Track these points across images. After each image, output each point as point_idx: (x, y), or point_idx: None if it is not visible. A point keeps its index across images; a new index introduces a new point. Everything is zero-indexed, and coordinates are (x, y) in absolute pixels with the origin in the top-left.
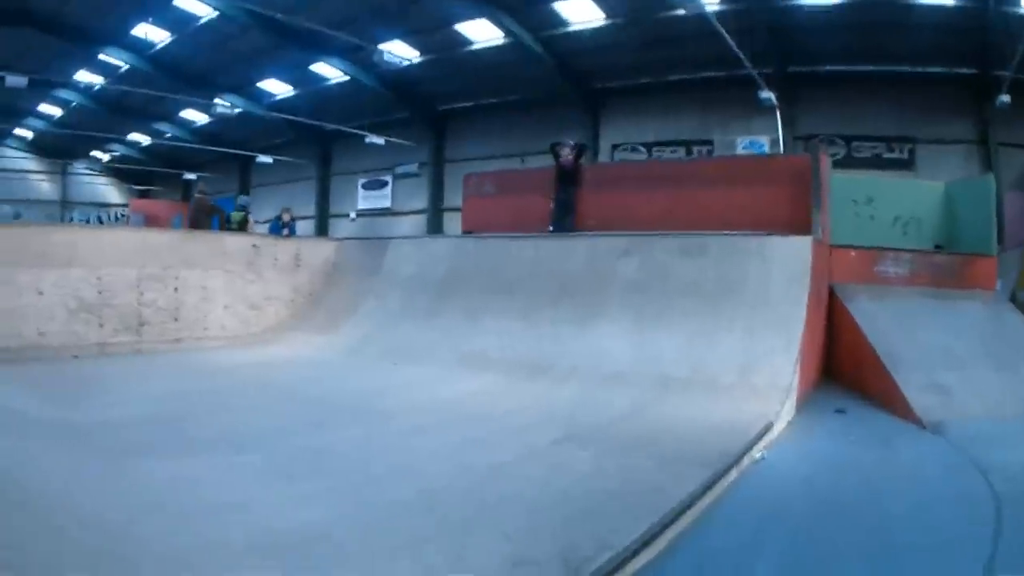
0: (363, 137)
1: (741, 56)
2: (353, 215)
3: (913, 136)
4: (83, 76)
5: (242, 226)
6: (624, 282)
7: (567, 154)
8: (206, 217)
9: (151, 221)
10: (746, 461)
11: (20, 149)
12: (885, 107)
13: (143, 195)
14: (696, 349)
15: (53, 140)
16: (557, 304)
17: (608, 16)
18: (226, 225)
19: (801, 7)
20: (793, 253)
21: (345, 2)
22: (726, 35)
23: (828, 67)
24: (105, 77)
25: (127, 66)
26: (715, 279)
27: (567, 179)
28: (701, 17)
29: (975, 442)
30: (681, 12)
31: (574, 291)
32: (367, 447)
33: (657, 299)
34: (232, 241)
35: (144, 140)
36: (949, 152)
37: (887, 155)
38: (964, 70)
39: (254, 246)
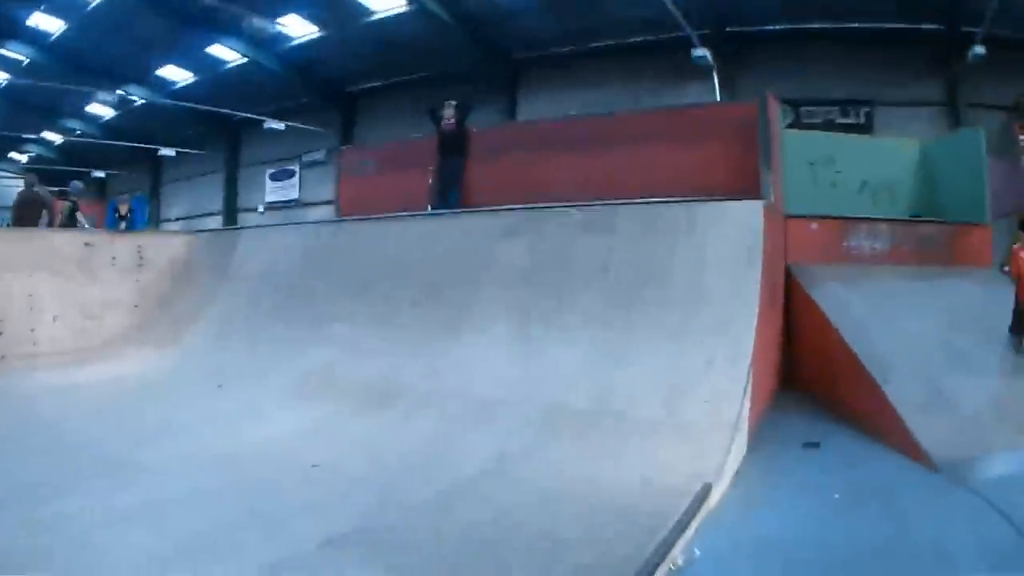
0: (272, 127)
1: (673, 10)
2: (261, 208)
3: (871, 99)
4: None
5: (71, 220)
6: (507, 272)
7: (448, 117)
8: (31, 213)
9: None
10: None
11: None
12: (838, 68)
13: (60, 196)
14: (601, 366)
15: None
16: (420, 305)
17: None
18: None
19: None
20: (737, 224)
21: None
22: None
23: (772, 26)
24: (8, 73)
25: (28, 60)
26: (629, 264)
27: (450, 146)
28: None
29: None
30: None
31: (443, 287)
32: (44, 538)
33: (550, 294)
34: (61, 239)
35: (57, 139)
36: (912, 115)
37: (841, 120)
38: (929, 25)
39: (87, 244)
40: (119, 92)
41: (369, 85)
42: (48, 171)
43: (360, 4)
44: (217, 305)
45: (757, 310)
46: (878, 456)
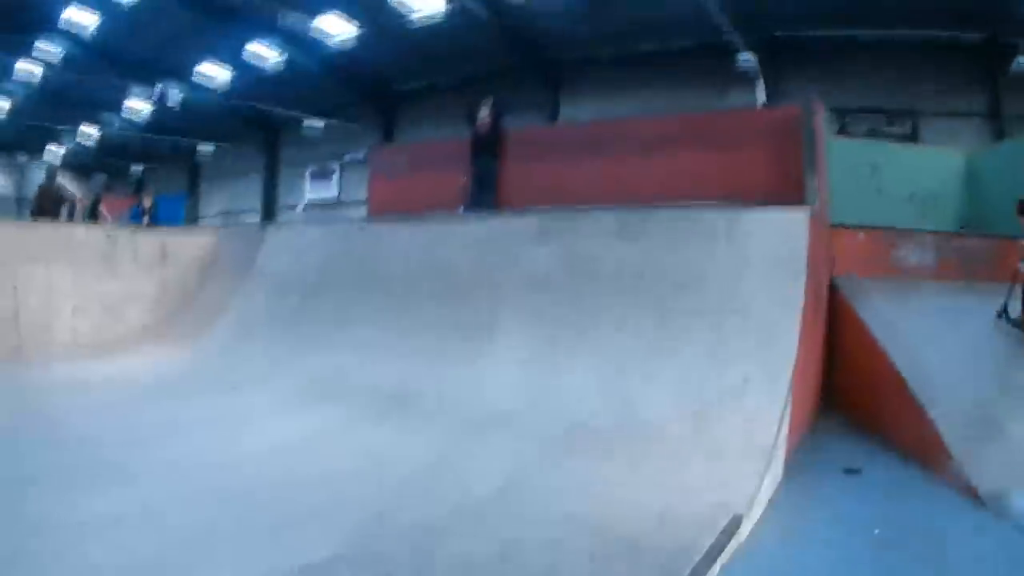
0: (310, 124)
1: (718, 14)
2: (300, 207)
3: (916, 109)
4: (24, 66)
5: (93, 213)
6: (532, 279)
7: (483, 116)
8: (52, 205)
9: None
10: None
11: None
12: (884, 78)
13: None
14: (627, 379)
15: (4, 134)
16: (443, 310)
17: None
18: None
19: None
20: (780, 232)
21: None
22: None
23: (818, 32)
24: (45, 66)
25: (63, 53)
26: (664, 273)
27: (484, 148)
28: None
29: None
30: None
31: (467, 292)
32: None
33: (577, 302)
34: (81, 232)
35: (95, 133)
36: (957, 126)
37: (887, 129)
38: (973, 34)
39: (108, 236)
40: (157, 87)
41: (410, 86)
42: (86, 165)
43: (402, 3)
44: (239, 302)
45: (799, 325)
46: (922, 487)
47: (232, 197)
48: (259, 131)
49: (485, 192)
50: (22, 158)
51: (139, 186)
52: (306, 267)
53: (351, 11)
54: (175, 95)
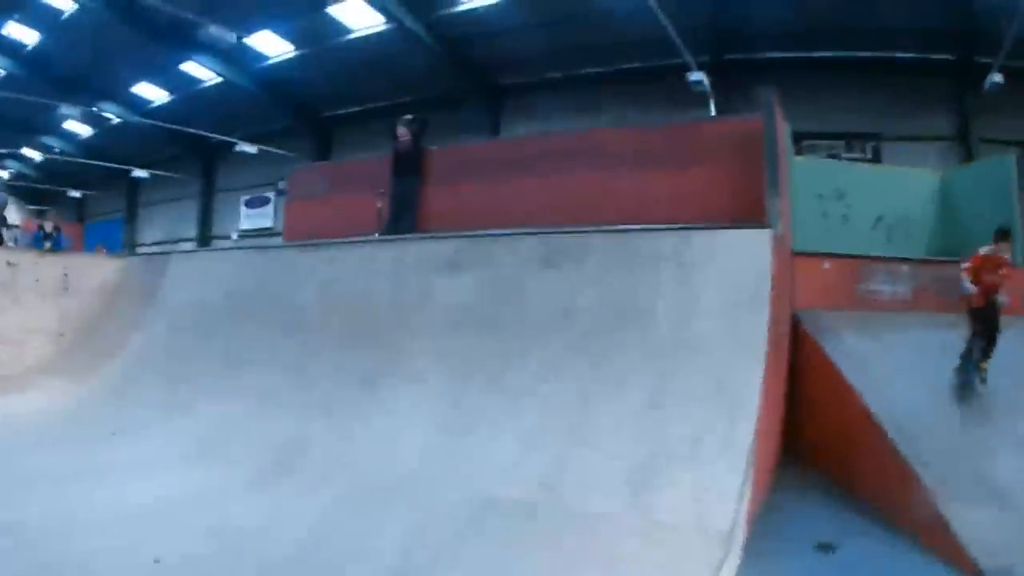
0: (244, 150)
1: (671, 31)
2: (235, 236)
3: (878, 132)
4: None
5: None
6: (447, 314)
7: (402, 133)
8: None
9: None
10: None
11: None
12: (844, 99)
13: (39, 215)
14: (551, 439)
15: None
16: (345, 350)
17: None
18: None
19: None
20: (738, 258)
21: None
22: (656, 7)
23: (774, 53)
24: None
25: (3, 72)
26: (600, 307)
27: (405, 166)
28: None
29: None
30: None
31: (373, 329)
32: None
33: (497, 342)
34: None
35: (36, 156)
36: (921, 150)
37: (846, 155)
38: (941, 56)
39: (8, 264)
40: (93, 108)
41: (345, 111)
42: (28, 189)
43: (337, 21)
44: (137, 337)
45: (762, 368)
46: (910, 563)
47: (169, 224)
48: (194, 156)
49: (405, 214)
50: None
51: (79, 211)
52: (207, 299)
53: (287, 29)
54: (111, 115)
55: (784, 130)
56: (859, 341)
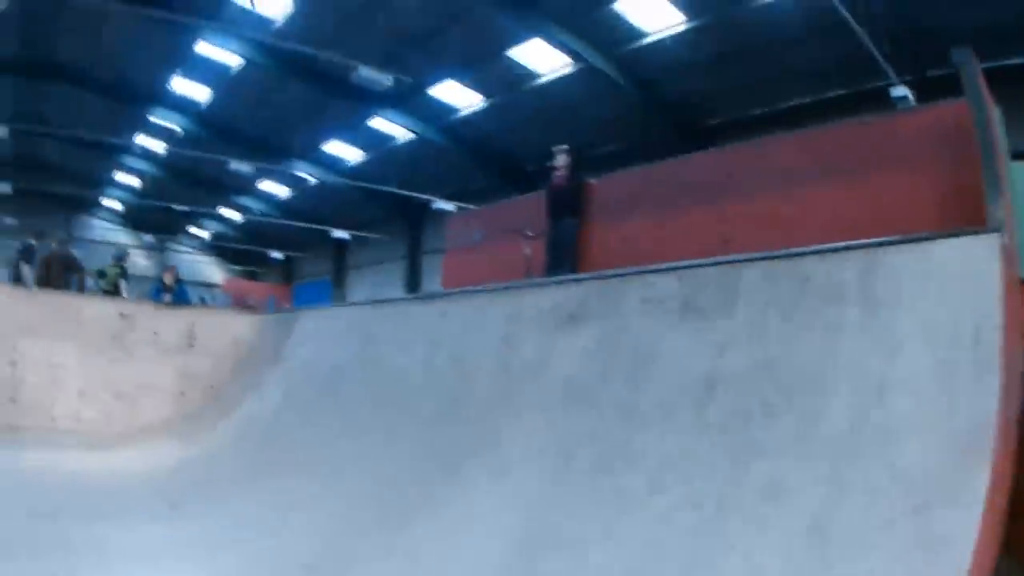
0: (442, 207)
1: (867, 43)
2: None
3: None
4: (143, 141)
5: (115, 287)
6: (552, 382)
7: (558, 167)
8: (59, 273)
9: (239, 303)
10: None
11: (112, 221)
12: None
13: (249, 276)
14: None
15: (143, 213)
16: (435, 425)
17: (688, 17)
18: (88, 283)
19: None
20: (951, 283)
21: (370, 34)
22: (851, 21)
23: (988, 63)
24: (165, 142)
25: (181, 129)
26: (751, 371)
27: (561, 205)
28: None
29: None
30: None
31: (469, 398)
32: None
33: (608, 423)
34: (91, 307)
35: (235, 216)
36: None
37: None
38: None
39: (122, 315)
40: (287, 167)
41: (545, 164)
42: (231, 250)
43: (521, 65)
44: (249, 403)
45: (987, 474)
46: None
47: (377, 285)
48: (399, 216)
49: (563, 260)
50: (164, 240)
51: (286, 273)
52: (320, 360)
53: (471, 78)
54: (306, 175)
55: (996, 115)
56: None
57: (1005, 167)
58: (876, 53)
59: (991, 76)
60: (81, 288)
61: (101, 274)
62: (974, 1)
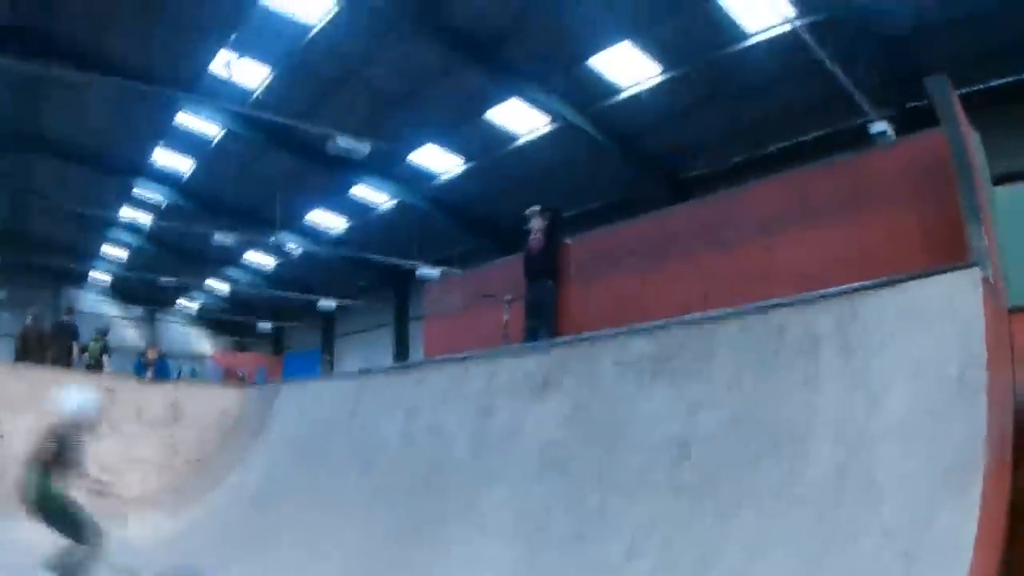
0: (426, 273)
1: (842, 81)
2: None
3: None
4: (128, 213)
5: (98, 362)
6: (526, 450)
7: (534, 229)
8: (37, 348)
9: (230, 375)
10: None
11: (101, 293)
12: None
13: (239, 347)
14: None
15: (132, 285)
16: (413, 496)
17: (663, 67)
18: (75, 357)
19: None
20: (931, 324)
21: (348, 100)
22: (826, 60)
23: (966, 88)
24: (150, 213)
25: (165, 200)
26: (727, 430)
27: (537, 268)
28: (774, 48)
29: None
30: (751, 42)
31: (444, 469)
32: None
33: (581, 490)
34: (74, 381)
35: (222, 287)
36: None
37: None
38: None
39: (107, 390)
40: (272, 238)
41: (526, 227)
42: (219, 320)
43: (499, 128)
44: (233, 476)
45: (975, 520)
46: None
47: (366, 354)
48: (385, 284)
49: (540, 325)
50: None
51: (276, 344)
52: (300, 433)
53: (450, 141)
54: (291, 245)
55: (974, 140)
56: None
57: (987, 194)
58: (852, 90)
59: (976, 100)
60: (69, 361)
61: (83, 349)
62: (950, 28)
